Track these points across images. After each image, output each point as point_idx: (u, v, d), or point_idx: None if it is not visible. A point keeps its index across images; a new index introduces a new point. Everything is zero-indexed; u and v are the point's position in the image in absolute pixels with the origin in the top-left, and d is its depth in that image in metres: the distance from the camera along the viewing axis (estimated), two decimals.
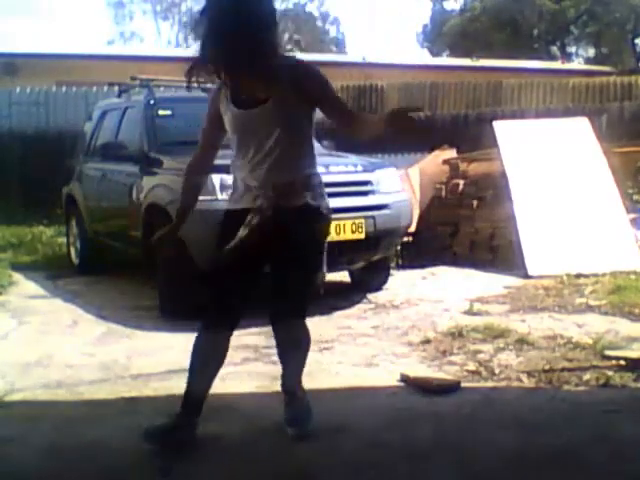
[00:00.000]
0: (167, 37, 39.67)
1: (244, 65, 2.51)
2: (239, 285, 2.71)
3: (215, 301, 2.74)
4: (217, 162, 5.40)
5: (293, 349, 2.89)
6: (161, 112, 6.10)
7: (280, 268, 2.70)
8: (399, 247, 6.92)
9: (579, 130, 7.45)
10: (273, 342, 4.32)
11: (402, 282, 6.13)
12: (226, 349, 2.81)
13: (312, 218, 2.70)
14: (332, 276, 6.01)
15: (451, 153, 8.71)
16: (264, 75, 2.56)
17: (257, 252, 2.64)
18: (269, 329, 4.57)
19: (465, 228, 7.47)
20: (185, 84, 2.70)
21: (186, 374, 3.63)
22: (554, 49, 30.46)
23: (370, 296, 5.61)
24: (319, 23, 37.95)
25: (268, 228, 2.61)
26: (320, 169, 5.04)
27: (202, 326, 2.77)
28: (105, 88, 9.54)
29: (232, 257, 2.63)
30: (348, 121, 2.66)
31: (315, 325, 4.68)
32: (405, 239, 6.90)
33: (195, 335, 2.79)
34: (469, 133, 10.55)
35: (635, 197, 8.13)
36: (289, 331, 2.82)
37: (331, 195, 5.02)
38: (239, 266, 2.65)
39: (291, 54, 2.75)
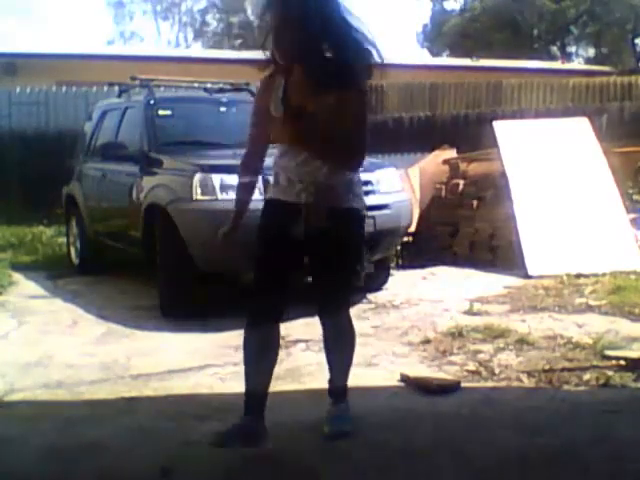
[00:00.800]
0: (167, 37, 39.70)
1: (320, 70, 2.57)
2: (283, 277, 2.76)
3: (260, 294, 2.76)
4: (217, 162, 5.42)
5: (341, 343, 2.99)
6: (161, 112, 6.10)
7: (326, 266, 2.77)
8: (399, 247, 6.92)
9: (579, 130, 7.45)
10: None
11: (402, 282, 6.13)
12: (277, 340, 2.84)
13: (355, 220, 2.78)
14: None
15: (451, 153, 8.72)
16: (327, 82, 2.57)
17: (300, 247, 2.72)
18: None
19: (465, 228, 7.47)
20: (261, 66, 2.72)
21: (186, 374, 3.63)
22: (554, 49, 30.45)
23: (370, 296, 5.61)
24: None
25: (315, 227, 2.67)
26: None
27: (249, 322, 2.77)
28: (105, 88, 9.53)
29: (278, 250, 2.71)
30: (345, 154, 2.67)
31: (315, 325, 4.70)
32: (405, 239, 6.90)
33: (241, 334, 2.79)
34: (469, 133, 10.56)
35: (635, 197, 8.13)
36: (336, 324, 2.93)
37: None
38: (284, 259, 2.72)
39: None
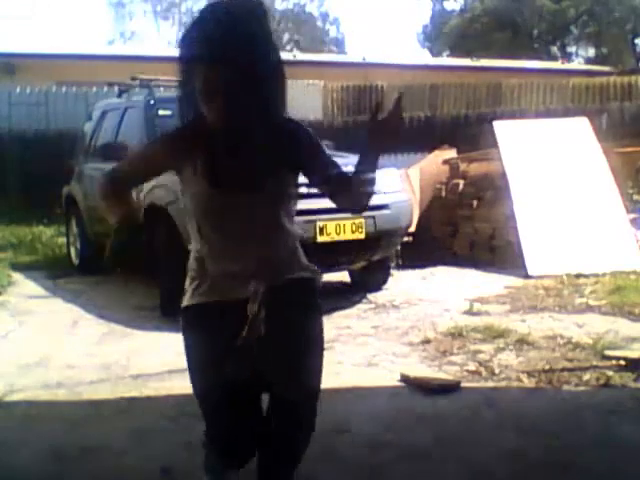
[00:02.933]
0: (167, 37, 39.72)
1: (252, 130, 1.90)
2: (253, 406, 2.06)
3: (227, 437, 2.06)
4: None
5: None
6: (161, 112, 6.10)
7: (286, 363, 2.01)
8: (399, 247, 6.92)
9: (579, 130, 7.45)
10: None
11: (402, 282, 6.13)
12: None
13: (309, 290, 2.07)
14: (332, 276, 6.02)
15: (451, 153, 8.72)
16: (263, 145, 1.92)
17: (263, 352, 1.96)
18: None
19: (465, 228, 7.47)
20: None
21: (186, 374, 3.63)
22: (554, 49, 30.46)
23: (370, 296, 5.61)
24: (319, 23, 37.95)
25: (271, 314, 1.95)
26: None
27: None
28: (105, 88, 9.54)
29: (238, 370, 1.96)
30: (343, 187, 1.98)
31: None
32: (405, 239, 6.90)
33: None
34: (469, 133, 10.56)
35: (635, 197, 8.13)
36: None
37: None
38: (249, 380, 2.00)
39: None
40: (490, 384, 3.56)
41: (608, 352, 3.86)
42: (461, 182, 7.79)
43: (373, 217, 5.19)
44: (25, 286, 6.45)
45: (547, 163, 7.01)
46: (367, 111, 14.38)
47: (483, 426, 3.00)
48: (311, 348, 2.04)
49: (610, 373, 3.57)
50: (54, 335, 4.69)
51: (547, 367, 3.73)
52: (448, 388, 3.46)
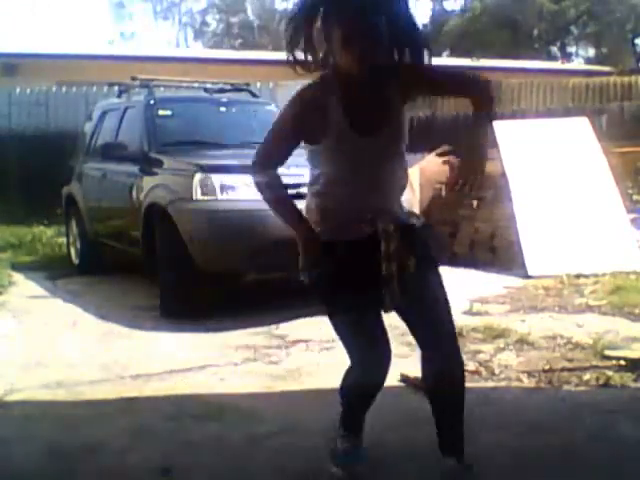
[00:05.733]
0: (167, 37, 39.74)
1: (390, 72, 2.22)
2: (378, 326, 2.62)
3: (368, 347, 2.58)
4: (217, 162, 5.41)
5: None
6: (161, 112, 6.10)
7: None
8: None
9: (579, 130, 7.45)
10: (273, 342, 4.36)
11: None
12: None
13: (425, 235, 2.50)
14: None
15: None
16: (393, 87, 2.24)
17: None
18: (269, 329, 4.62)
19: (465, 228, 7.47)
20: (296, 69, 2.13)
21: (186, 374, 3.62)
22: (554, 49, 30.47)
23: None
24: None
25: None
26: None
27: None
28: (105, 88, 9.55)
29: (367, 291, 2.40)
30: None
31: (315, 325, 4.70)
32: None
33: None
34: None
35: (635, 197, 8.13)
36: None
37: None
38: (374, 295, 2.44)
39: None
40: (490, 384, 3.56)
41: (608, 352, 3.86)
42: (461, 182, 7.78)
43: None
44: (25, 286, 6.44)
45: (547, 163, 7.01)
46: None
47: (483, 426, 3.00)
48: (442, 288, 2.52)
49: (610, 373, 3.57)
50: (54, 335, 4.69)
51: (547, 367, 3.73)
52: None
